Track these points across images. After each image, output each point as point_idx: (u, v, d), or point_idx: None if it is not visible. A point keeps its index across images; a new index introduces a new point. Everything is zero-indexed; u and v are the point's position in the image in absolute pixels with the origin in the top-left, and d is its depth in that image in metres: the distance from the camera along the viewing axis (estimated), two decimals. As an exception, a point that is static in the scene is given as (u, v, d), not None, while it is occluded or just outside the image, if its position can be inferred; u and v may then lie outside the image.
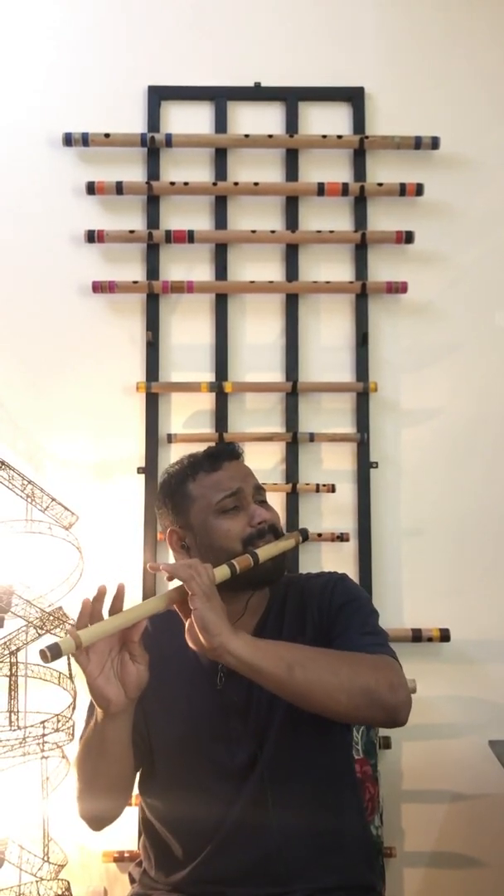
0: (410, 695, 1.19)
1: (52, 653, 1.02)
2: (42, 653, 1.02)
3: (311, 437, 1.89)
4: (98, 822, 1.31)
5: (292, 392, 1.91)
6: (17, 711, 1.64)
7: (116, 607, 1.14)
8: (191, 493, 1.30)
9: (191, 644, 1.12)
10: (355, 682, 1.14)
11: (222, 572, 1.19)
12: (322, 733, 1.28)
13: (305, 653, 1.16)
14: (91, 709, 1.30)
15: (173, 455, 1.90)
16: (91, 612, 1.11)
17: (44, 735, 1.59)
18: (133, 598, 1.84)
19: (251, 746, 1.25)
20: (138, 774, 1.34)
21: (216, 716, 1.27)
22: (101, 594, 1.13)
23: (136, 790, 1.35)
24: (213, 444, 1.42)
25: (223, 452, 1.34)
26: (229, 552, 1.24)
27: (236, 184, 1.91)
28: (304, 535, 1.34)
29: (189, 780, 1.28)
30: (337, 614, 1.29)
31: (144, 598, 1.84)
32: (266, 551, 1.24)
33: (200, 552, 1.28)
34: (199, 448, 1.85)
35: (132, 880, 1.39)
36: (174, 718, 1.27)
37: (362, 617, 1.29)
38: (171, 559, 1.90)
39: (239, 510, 1.28)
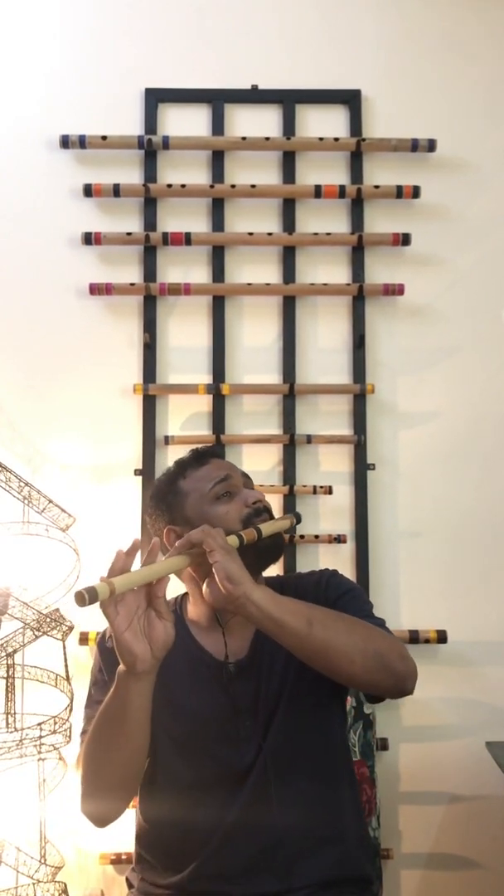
0: (416, 665, 1.22)
1: (90, 595, 1.03)
2: (79, 594, 1.02)
3: (309, 439, 1.89)
4: (102, 818, 1.27)
5: (289, 394, 1.91)
6: (14, 713, 1.64)
7: (147, 562, 1.15)
8: (183, 489, 1.34)
9: (211, 601, 1.14)
10: (370, 646, 1.17)
11: (231, 541, 1.20)
12: (323, 732, 1.31)
13: (324, 611, 1.19)
14: (92, 697, 1.30)
15: (170, 457, 1.90)
16: (123, 565, 1.12)
17: (41, 737, 1.59)
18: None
19: (256, 745, 1.26)
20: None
21: (223, 714, 1.27)
22: (134, 548, 1.14)
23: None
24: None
25: (208, 451, 1.40)
26: (230, 534, 1.25)
27: (233, 186, 1.91)
28: (298, 518, 1.39)
29: (191, 778, 1.28)
30: (334, 603, 1.31)
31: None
32: (267, 527, 1.27)
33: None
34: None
35: (129, 885, 1.39)
36: (179, 716, 1.27)
37: (359, 604, 1.33)
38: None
39: (232, 495, 1.32)
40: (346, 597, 1.33)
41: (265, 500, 1.35)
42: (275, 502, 1.86)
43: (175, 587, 1.83)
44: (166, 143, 1.91)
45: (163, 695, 1.23)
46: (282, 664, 1.30)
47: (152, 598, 1.15)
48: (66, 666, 1.68)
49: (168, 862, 1.30)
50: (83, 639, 1.80)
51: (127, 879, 1.41)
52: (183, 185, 1.90)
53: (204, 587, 1.16)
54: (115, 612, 1.11)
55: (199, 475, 1.34)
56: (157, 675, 1.17)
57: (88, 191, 1.89)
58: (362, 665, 1.16)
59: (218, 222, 1.94)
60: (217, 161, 1.95)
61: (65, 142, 1.91)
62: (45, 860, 1.61)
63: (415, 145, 1.93)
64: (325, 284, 1.93)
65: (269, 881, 1.25)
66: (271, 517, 1.33)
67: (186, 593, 1.42)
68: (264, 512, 1.32)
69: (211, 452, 1.40)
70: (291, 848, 1.25)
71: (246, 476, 1.39)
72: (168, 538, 1.34)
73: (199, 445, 1.47)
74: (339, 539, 1.88)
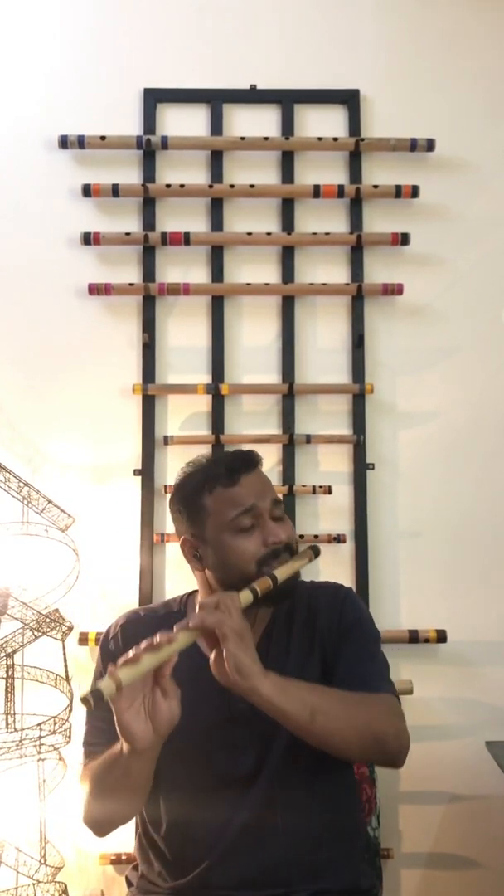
0: (409, 739, 1.25)
1: (95, 698, 1.02)
2: (84, 699, 1.02)
3: (308, 439, 1.89)
4: (103, 831, 1.30)
5: (289, 394, 1.91)
6: (14, 714, 1.64)
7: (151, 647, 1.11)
8: (206, 507, 1.29)
9: (217, 677, 1.12)
10: (369, 730, 1.20)
11: (245, 598, 1.19)
12: None
13: (327, 698, 1.19)
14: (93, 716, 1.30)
15: (170, 457, 1.90)
16: (131, 658, 1.08)
17: (40, 737, 1.59)
18: (130, 599, 1.85)
19: (256, 754, 1.25)
20: None
21: (222, 724, 1.26)
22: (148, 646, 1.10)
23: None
24: (230, 452, 1.39)
25: (241, 465, 1.31)
26: (243, 572, 1.25)
27: (232, 186, 1.91)
28: (316, 552, 1.32)
29: (193, 786, 1.28)
30: (345, 634, 1.31)
31: (140, 600, 1.84)
32: (283, 572, 1.24)
33: (214, 566, 1.29)
34: (196, 451, 1.86)
35: (129, 884, 1.39)
36: (179, 724, 1.26)
37: (370, 644, 1.33)
38: (168, 561, 1.91)
39: (255, 528, 1.27)
40: (358, 630, 1.32)
41: (288, 537, 1.29)
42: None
43: (174, 587, 1.83)
44: (165, 143, 1.91)
45: None
46: (285, 669, 1.29)
47: (158, 677, 1.11)
48: (66, 666, 1.68)
49: (169, 866, 1.30)
50: (83, 639, 1.80)
51: (127, 878, 1.41)
52: (182, 185, 1.90)
53: (211, 658, 1.13)
54: (119, 694, 1.06)
55: (226, 497, 1.27)
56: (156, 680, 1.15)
57: (87, 191, 1.89)
58: (359, 748, 1.22)
59: (217, 222, 1.94)
60: (216, 161, 1.95)
61: (63, 142, 1.91)
62: (45, 860, 1.61)
63: (414, 145, 1.93)
64: (324, 284, 1.93)
65: (272, 889, 1.24)
66: (292, 554, 1.29)
67: (194, 591, 1.40)
68: (283, 553, 1.27)
69: (244, 466, 1.31)
70: (297, 858, 1.25)
71: (276, 501, 1.31)
72: (183, 546, 1.33)
73: (233, 451, 1.38)
74: (339, 539, 1.87)
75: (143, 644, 1.09)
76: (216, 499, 1.28)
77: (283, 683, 1.14)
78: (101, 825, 1.28)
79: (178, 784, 1.28)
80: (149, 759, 1.16)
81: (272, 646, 1.31)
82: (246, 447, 1.88)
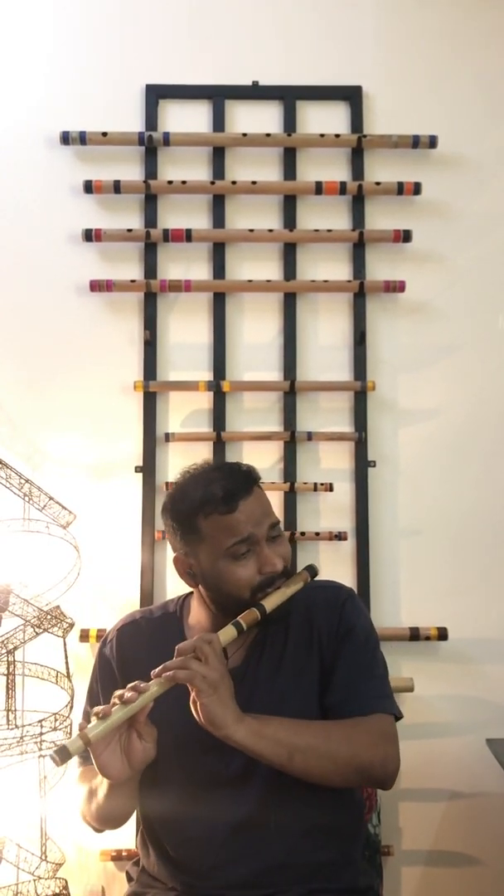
0: (399, 761, 1.25)
1: (61, 757, 1.07)
2: (52, 759, 1.07)
3: (309, 436, 1.89)
4: (101, 831, 1.34)
5: (290, 391, 1.91)
6: (15, 710, 1.64)
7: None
8: (201, 530, 1.25)
9: (196, 718, 1.15)
10: (351, 764, 1.21)
11: (229, 634, 1.19)
12: None
13: (305, 737, 1.19)
14: (86, 711, 1.33)
15: (171, 454, 1.90)
16: (103, 713, 1.12)
17: (41, 734, 1.59)
18: (131, 596, 1.85)
19: (245, 755, 1.22)
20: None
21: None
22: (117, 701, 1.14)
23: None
24: (228, 469, 1.31)
25: (240, 489, 1.26)
26: (237, 599, 1.24)
27: (234, 183, 1.91)
28: (313, 573, 1.30)
29: (187, 785, 1.27)
30: (344, 638, 1.30)
31: (141, 597, 1.84)
32: (272, 601, 1.24)
33: (207, 587, 1.28)
34: (197, 448, 1.87)
35: (129, 878, 1.39)
36: (169, 723, 1.25)
37: (369, 654, 1.31)
38: (170, 558, 1.91)
39: (251, 554, 1.24)
40: (356, 637, 1.30)
41: (283, 559, 1.27)
42: (275, 500, 1.85)
43: (175, 583, 1.83)
44: (167, 140, 1.91)
45: (158, 703, 1.20)
46: (275, 674, 1.29)
47: (133, 721, 1.15)
48: (67, 663, 1.69)
49: (168, 863, 1.30)
50: (84, 636, 1.80)
51: (127, 873, 1.41)
52: (183, 182, 1.90)
53: (191, 699, 1.15)
54: (89, 747, 1.12)
55: (222, 524, 1.24)
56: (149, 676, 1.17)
57: (89, 187, 1.89)
58: (342, 780, 1.23)
59: (218, 219, 1.94)
60: (218, 157, 1.95)
61: (65, 138, 1.90)
62: (46, 857, 1.61)
63: (416, 142, 1.92)
64: (325, 281, 1.92)
65: (265, 890, 1.24)
66: (289, 576, 1.27)
67: (190, 593, 1.40)
68: (279, 579, 1.25)
69: (243, 490, 1.26)
70: (287, 856, 1.25)
71: (273, 525, 1.28)
72: (176, 564, 1.31)
73: (231, 468, 1.32)
74: (340, 536, 1.87)
75: (115, 696, 1.13)
76: (212, 525, 1.24)
77: (259, 727, 1.16)
78: (97, 827, 1.32)
79: (173, 783, 1.28)
80: (128, 786, 1.23)
81: (266, 649, 1.30)
82: (247, 444, 1.90)
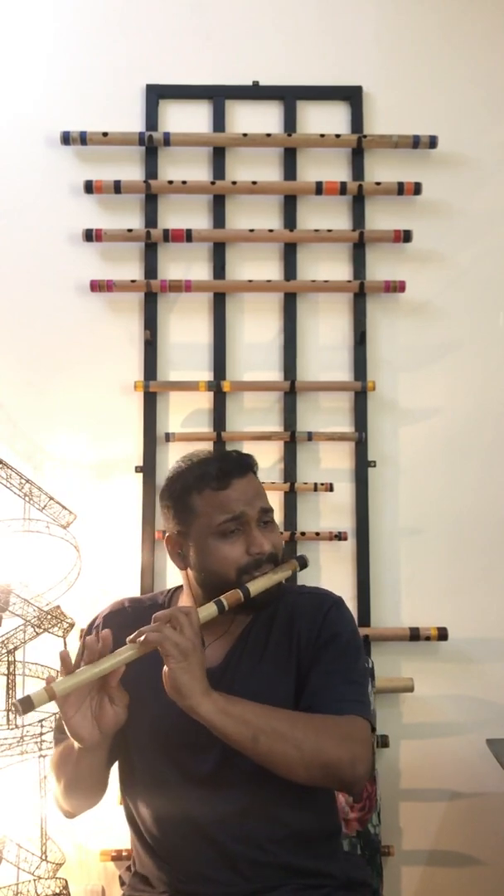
0: (371, 765, 1.22)
1: (24, 706, 1.07)
2: (14, 706, 1.08)
3: (310, 436, 1.89)
4: (70, 815, 1.33)
5: (290, 391, 1.91)
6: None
7: (95, 657, 1.14)
8: (194, 507, 1.27)
9: (166, 690, 1.14)
10: (317, 758, 1.17)
11: (209, 611, 1.19)
12: None
13: (273, 721, 1.17)
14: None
15: (171, 454, 1.90)
16: (69, 665, 1.13)
17: (42, 734, 1.59)
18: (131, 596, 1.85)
19: (220, 754, 1.22)
20: (119, 770, 1.34)
21: (185, 724, 1.19)
22: (85, 648, 1.15)
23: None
24: (226, 453, 1.36)
25: (234, 468, 1.29)
26: (223, 578, 1.24)
27: (234, 183, 1.91)
28: (302, 563, 1.30)
29: (164, 781, 1.27)
30: (325, 645, 1.28)
31: (142, 595, 1.84)
32: (258, 585, 1.23)
33: (195, 567, 1.28)
34: (197, 448, 1.86)
35: (122, 883, 1.38)
36: (145, 716, 1.25)
37: (349, 660, 1.29)
38: (168, 558, 1.91)
39: (240, 534, 1.26)
40: (338, 642, 1.28)
41: (273, 544, 1.27)
42: (275, 499, 1.86)
43: (175, 583, 1.83)
44: (167, 140, 1.91)
45: (133, 688, 1.21)
46: (254, 673, 1.28)
47: (105, 685, 1.16)
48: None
49: (149, 859, 1.30)
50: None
51: (120, 878, 1.40)
52: (184, 182, 1.90)
53: (164, 670, 1.14)
54: (64, 699, 1.13)
55: (215, 500, 1.26)
56: (128, 673, 1.17)
57: (89, 187, 1.89)
58: (306, 774, 1.18)
59: (219, 219, 1.94)
60: (218, 157, 1.95)
61: (66, 138, 1.90)
62: (46, 857, 1.61)
63: (416, 142, 1.92)
64: (326, 281, 1.92)
65: (243, 886, 1.24)
66: (277, 564, 1.27)
67: (180, 587, 1.40)
68: (266, 563, 1.25)
69: (237, 470, 1.28)
70: (264, 855, 1.24)
71: (265, 510, 1.28)
72: (168, 542, 1.32)
73: (229, 452, 1.36)
74: (340, 536, 1.87)
75: (85, 654, 1.14)
76: (205, 500, 1.27)
77: (226, 704, 1.14)
78: (65, 809, 1.31)
79: (153, 775, 1.28)
80: (98, 754, 1.22)
81: (246, 650, 1.30)
82: (247, 444, 1.90)
